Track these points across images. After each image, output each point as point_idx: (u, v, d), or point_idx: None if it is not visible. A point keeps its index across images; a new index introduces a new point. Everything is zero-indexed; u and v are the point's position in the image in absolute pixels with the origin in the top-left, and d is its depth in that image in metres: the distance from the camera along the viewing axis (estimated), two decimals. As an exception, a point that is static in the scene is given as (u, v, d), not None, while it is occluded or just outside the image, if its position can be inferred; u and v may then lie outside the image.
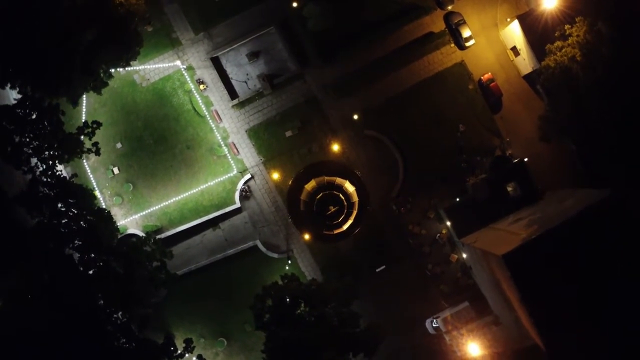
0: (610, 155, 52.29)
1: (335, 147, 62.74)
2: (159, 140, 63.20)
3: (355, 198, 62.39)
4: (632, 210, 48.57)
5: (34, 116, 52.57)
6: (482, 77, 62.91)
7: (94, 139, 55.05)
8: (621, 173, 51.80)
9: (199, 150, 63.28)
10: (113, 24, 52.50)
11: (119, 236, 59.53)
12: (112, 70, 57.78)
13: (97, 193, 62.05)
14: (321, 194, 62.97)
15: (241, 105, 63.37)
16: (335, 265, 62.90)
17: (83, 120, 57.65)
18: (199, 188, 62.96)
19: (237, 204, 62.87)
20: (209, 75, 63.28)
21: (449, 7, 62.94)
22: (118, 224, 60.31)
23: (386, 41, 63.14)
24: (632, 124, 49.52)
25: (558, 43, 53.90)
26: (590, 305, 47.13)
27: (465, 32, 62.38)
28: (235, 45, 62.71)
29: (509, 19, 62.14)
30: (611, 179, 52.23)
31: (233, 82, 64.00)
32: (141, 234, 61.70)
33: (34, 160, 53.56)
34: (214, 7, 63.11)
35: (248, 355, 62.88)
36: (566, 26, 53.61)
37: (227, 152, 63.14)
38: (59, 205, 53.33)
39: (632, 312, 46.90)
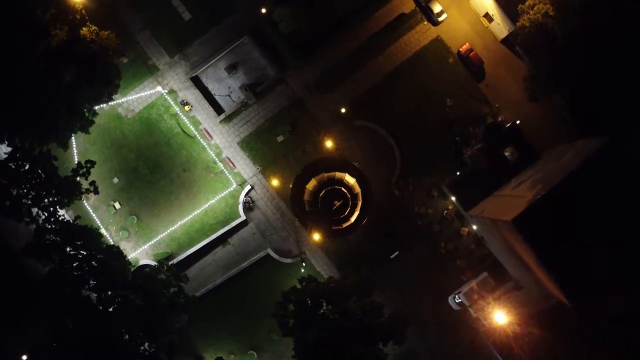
0: (599, 102, 52.46)
1: (329, 144, 62.86)
2: (154, 168, 63.29)
3: (358, 189, 62.56)
4: (632, 153, 48.84)
5: (26, 167, 52.66)
6: (460, 49, 63.02)
7: (90, 178, 55.23)
8: (612, 118, 51.93)
9: (195, 171, 63.37)
10: (89, 61, 52.61)
11: (132, 269, 59.76)
12: (96, 107, 57.86)
13: (103, 231, 62.12)
14: (323, 191, 63.18)
15: (229, 119, 63.47)
16: (350, 259, 63.05)
17: (76, 162, 57.76)
18: (202, 208, 63.05)
19: (242, 217, 62.99)
20: (192, 95, 63.36)
21: (416, -14, 63.13)
22: (129, 258, 60.43)
23: (360, 30, 63.28)
24: (613, 68, 49.68)
25: (529, 1, 54.02)
26: (606, 253, 47.29)
27: (436, 8, 62.47)
28: (212, 61, 62.77)
29: (476, -13, 62.29)
30: (604, 125, 52.35)
31: (216, 97, 64.07)
32: (153, 263, 61.79)
33: (34, 210, 53.62)
34: (184, 27, 63.16)
35: (279, 363, 63.11)
36: (534, -16, 53.70)
37: (223, 168, 63.25)
38: (68, 249, 53.50)
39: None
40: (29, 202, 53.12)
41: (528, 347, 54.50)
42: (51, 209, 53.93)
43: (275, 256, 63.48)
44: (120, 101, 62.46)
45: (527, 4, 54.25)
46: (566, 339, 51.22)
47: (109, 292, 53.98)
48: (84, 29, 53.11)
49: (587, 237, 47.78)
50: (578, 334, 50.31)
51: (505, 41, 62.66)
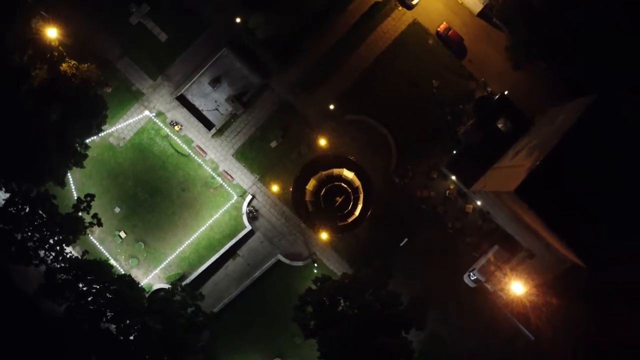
0: (582, 60, 52.53)
1: (322, 142, 62.93)
2: (153, 193, 63.35)
3: (357, 182, 62.65)
4: (622, 105, 49.05)
5: (27, 209, 52.71)
6: (438, 29, 63.09)
7: (92, 212, 55.34)
8: (598, 74, 52.01)
9: (194, 189, 63.44)
10: (73, 96, 52.68)
11: (147, 295, 59.88)
12: (87, 140, 58.02)
13: (112, 261, 62.21)
14: (324, 190, 63.25)
15: (220, 132, 63.54)
16: (360, 253, 63.19)
17: (75, 197, 57.83)
18: (207, 224, 63.15)
19: (248, 227, 63.09)
20: (180, 114, 63.40)
21: (385, -27, 63.13)
22: (142, 284, 60.57)
23: (336, 25, 63.36)
24: (590, 22, 49.77)
25: (501, -29, 54.09)
26: (613, 209, 47.45)
27: (409, -9, 62.63)
28: (195, 78, 62.82)
29: (445, -35, 62.28)
30: (591, 83, 52.44)
31: (205, 113, 64.12)
32: (167, 286, 61.89)
33: (41, 252, 53.64)
34: (162, 48, 63.20)
35: (307, 366, 63.22)
36: (501, -47, 53.76)
37: (222, 182, 63.32)
38: (81, 285, 53.56)
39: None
40: (35, 244, 53.12)
41: (545, 316, 54.73)
42: (57, 247, 53.99)
43: (286, 261, 63.60)
44: (110, 131, 62.51)
45: (498, -26, 54.35)
46: (582, 305, 51.28)
47: (128, 321, 54.08)
48: (64, 64, 53.18)
49: (591, 196, 47.95)
50: (594, 299, 50.43)
51: (481, 14, 62.71)
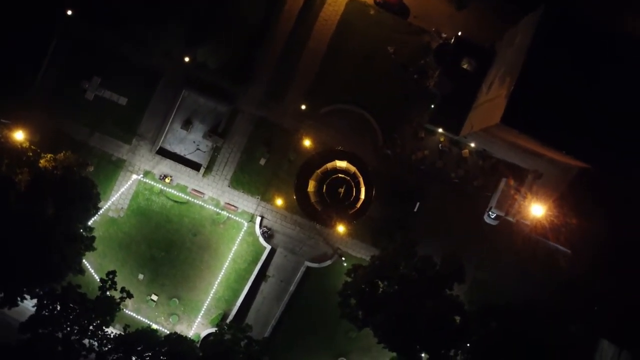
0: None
1: (307, 143, 63.69)
2: (168, 248, 64.10)
3: (352, 168, 63.25)
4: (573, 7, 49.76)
5: (58, 307, 53.54)
6: (375, -2, 63.90)
7: (119, 287, 56.09)
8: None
9: (205, 230, 64.21)
10: (60, 187, 53.39)
11: (198, 344, 60.70)
12: (89, 223, 58.74)
13: (155, 326, 62.98)
14: (324, 186, 63.84)
15: (209, 169, 64.27)
16: (380, 232, 63.96)
17: (98, 279, 58.59)
18: (229, 258, 63.95)
19: (268, 247, 63.92)
20: (166, 166, 64.12)
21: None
22: (190, 336, 61.39)
23: (279, 29, 63.98)
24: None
25: None
26: (595, 103, 48.37)
27: (334, -27, 63.16)
28: (167, 128, 63.47)
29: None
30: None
31: (188, 156, 64.76)
32: (213, 329, 62.73)
33: (86, 341, 54.47)
34: (126, 112, 63.70)
35: (371, 355, 64.01)
36: None
37: (227, 214, 64.10)
38: (134, 358, 54.37)
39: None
40: (77, 336, 53.96)
41: (564, 236, 55.69)
42: (99, 332, 54.88)
43: (315, 265, 64.45)
44: (107, 206, 63.21)
45: None
46: (600, 211, 51.82)
47: (190, 376, 54.96)
48: (42, 161, 53.94)
49: (573, 99, 48.77)
50: (609, 201, 51.15)
51: (409, -31, 63.37)
